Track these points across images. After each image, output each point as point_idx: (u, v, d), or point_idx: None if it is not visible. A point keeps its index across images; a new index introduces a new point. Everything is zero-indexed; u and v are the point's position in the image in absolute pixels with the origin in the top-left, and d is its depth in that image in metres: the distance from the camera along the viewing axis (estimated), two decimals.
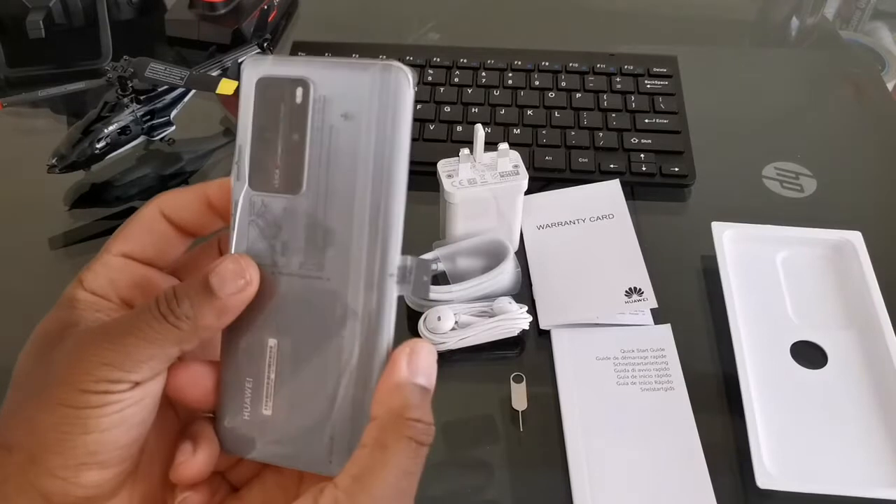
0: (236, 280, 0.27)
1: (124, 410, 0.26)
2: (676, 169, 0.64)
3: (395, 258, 0.27)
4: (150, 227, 0.30)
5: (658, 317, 0.54)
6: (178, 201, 0.31)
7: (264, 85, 0.27)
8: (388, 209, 0.27)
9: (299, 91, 0.27)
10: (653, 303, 0.53)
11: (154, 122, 0.65)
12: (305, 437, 0.28)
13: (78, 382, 0.26)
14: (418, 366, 0.27)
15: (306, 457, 0.28)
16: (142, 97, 0.63)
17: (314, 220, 0.27)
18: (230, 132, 0.70)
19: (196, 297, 0.27)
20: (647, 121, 0.67)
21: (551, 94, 0.70)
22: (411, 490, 0.26)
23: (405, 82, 0.26)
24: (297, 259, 0.28)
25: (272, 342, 0.29)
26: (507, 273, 0.53)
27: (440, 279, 0.55)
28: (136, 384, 0.26)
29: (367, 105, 0.26)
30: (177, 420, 0.31)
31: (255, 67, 0.27)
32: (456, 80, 0.71)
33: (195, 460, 0.28)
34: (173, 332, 0.26)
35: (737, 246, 0.57)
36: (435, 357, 0.28)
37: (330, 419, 0.28)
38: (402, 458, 0.26)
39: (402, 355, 0.27)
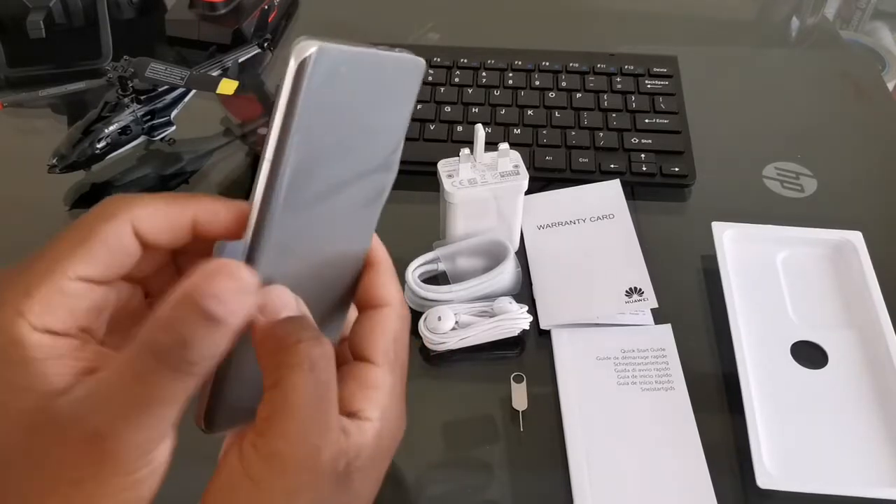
0: (240, 299, 0.23)
1: (164, 461, 0.25)
2: (676, 169, 0.64)
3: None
4: (117, 245, 0.25)
5: (658, 317, 0.54)
6: (159, 220, 0.25)
7: None
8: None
9: None
10: (653, 303, 0.53)
11: (154, 121, 0.65)
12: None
13: (118, 472, 0.23)
14: (273, 310, 0.25)
15: None
16: (142, 97, 0.63)
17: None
18: (230, 132, 0.70)
19: (203, 335, 0.22)
20: (647, 121, 0.67)
21: (551, 94, 0.70)
22: (326, 413, 0.25)
23: (294, 58, 0.25)
24: None
25: None
26: (507, 273, 0.53)
27: (440, 279, 0.55)
28: (170, 435, 0.25)
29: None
30: None
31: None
32: (456, 80, 0.71)
33: None
34: (193, 380, 0.23)
35: (737, 246, 0.57)
36: (287, 292, 0.26)
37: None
38: (301, 391, 0.25)
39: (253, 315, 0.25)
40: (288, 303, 0.26)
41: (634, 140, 0.66)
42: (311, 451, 0.25)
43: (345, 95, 0.26)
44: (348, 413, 0.28)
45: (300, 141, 0.25)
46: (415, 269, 0.53)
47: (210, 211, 0.26)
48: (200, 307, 0.22)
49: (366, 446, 0.27)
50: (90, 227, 0.24)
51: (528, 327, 0.52)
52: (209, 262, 0.23)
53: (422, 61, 0.29)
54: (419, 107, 0.68)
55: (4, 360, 0.23)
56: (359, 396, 0.28)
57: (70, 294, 0.24)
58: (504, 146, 0.52)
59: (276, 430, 0.25)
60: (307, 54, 0.24)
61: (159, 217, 0.25)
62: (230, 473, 0.25)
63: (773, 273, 0.56)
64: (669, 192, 0.64)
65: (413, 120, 0.67)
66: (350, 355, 0.30)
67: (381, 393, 0.28)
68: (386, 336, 0.29)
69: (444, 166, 0.53)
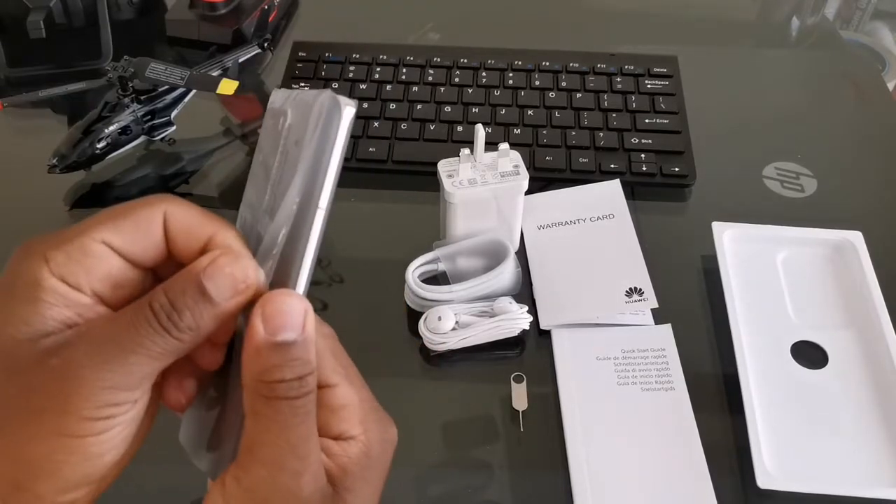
0: (236, 284, 0.26)
1: (124, 429, 0.25)
2: (677, 169, 0.64)
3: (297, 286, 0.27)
4: (147, 228, 0.27)
5: (658, 317, 0.54)
6: (184, 221, 0.27)
7: (270, 114, 0.30)
8: (301, 237, 0.27)
9: (281, 120, 0.29)
10: (653, 303, 0.53)
11: (154, 122, 0.65)
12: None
13: (78, 410, 0.24)
14: (275, 324, 0.25)
15: None
16: (142, 97, 0.63)
17: (263, 233, 0.28)
18: (230, 132, 0.70)
19: (196, 307, 0.25)
20: (647, 121, 0.67)
21: (552, 94, 0.70)
22: (305, 440, 0.26)
23: (336, 113, 0.27)
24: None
25: None
26: (507, 273, 0.53)
27: (440, 279, 0.55)
28: (136, 401, 0.26)
29: (307, 133, 0.27)
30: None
31: (274, 96, 0.29)
32: (456, 80, 0.71)
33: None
34: (176, 345, 0.25)
35: (737, 246, 0.57)
36: (298, 304, 0.26)
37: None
38: (277, 419, 0.25)
39: (255, 317, 0.26)
40: (293, 324, 0.26)
41: (634, 140, 0.66)
42: (292, 475, 0.25)
43: None
44: (331, 438, 0.28)
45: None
46: (415, 269, 0.53)
47: (222, 242, 0.27)
48: (198, 282, 0.25)
49: (353, 464, 0.27)
50: (128, 206, 0.27)
51: (528, 327, 0.52)
52: (219, 249, 0.26)
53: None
54: (419, 107, 0.68)
55: (20, 295, 0.25)
56: (334, 420, 0.28)
57: (91, 254, 0.26)
58: (504, 146, 0.52)
59: (256, 459, 0.25)
60: (353, 111, 0.27)
61: (185, 219, 0.27)
62: None
63: (773, 273, 0.56)
64: (669, 192, 0.64)
65: (413, 120, 0.68)
66: None
67: (352, 408, 0.28)
68: (324, 356, 0.29)
69: (444, 166, 0.53)
